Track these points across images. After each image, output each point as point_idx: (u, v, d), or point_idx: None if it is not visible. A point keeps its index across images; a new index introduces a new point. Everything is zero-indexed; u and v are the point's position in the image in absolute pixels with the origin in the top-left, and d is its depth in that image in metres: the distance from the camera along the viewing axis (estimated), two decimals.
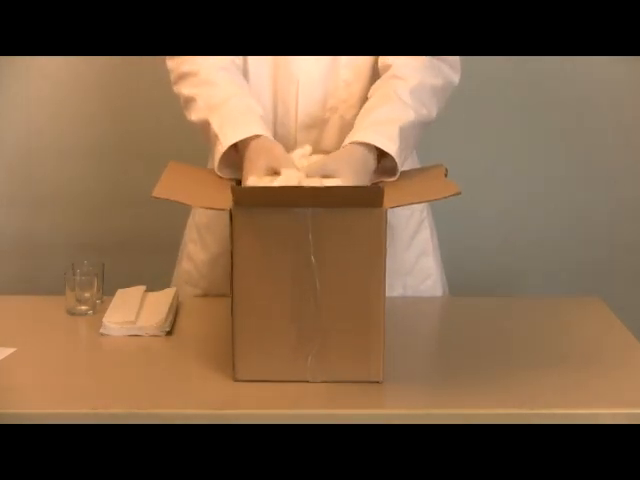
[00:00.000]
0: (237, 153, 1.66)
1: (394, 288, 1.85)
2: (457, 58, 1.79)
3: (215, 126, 1.67)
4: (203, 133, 1.72)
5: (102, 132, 2.65)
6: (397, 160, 1.64)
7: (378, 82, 1.74)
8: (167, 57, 1.79)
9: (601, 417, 1.41)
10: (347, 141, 1.66)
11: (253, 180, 1.56)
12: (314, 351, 1.47)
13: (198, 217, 1.94)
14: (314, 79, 1.78)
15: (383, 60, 1.75)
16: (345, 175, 1.57)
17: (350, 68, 1.78)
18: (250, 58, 1.78)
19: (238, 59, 1.77)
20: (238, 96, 1.71)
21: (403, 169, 1.68)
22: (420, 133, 1.73)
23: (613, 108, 2.67)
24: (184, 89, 1.75)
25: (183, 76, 1.75)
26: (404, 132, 1.66)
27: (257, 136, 1.64)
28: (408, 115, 1.68)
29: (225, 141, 1.65)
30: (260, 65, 1.78)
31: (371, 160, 1.64)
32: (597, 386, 1.49)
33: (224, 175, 1.67)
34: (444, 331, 1.76)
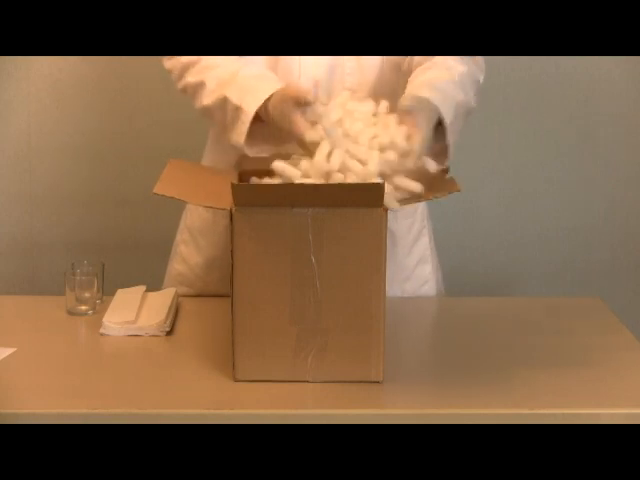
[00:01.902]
0: (261, 124, 1.63)
1: (393, 293, 1.85)
2: (482, 58, 1.77)
3: (234, 99, 1.64)
4: (218, 114, 1.68)
5: (102, 132, 2.65)
6: (447, 132, 1.60)
7: (419, 69, 1.71)
8: (164, 59, 1.77)
9: (601, 417, 1.41)
10: (412, 92, 1.61)
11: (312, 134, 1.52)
12: (314, 351, 1.47)
13: (190, 220, 1.93)
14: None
15: (416, 58, 1.73)
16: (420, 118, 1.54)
17: (354, 76, 1.76)
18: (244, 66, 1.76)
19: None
20: (246, 67, 1.68)
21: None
22: (463, 119, 1.69)
23: (613, 108, 2.67)
24: (190, 78, 1.72)
25: (185, 67, 1.73)
26: (458, 110, 1.64)
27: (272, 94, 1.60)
28: (459, 94, 1.65)
29: (249, 108, 1.61)
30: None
31: (433, 119, 1.59)
32: (597, 386, 1.49)
33: (252, 153, 1.64)
34: (444, 331, 1.76)
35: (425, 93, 1.60)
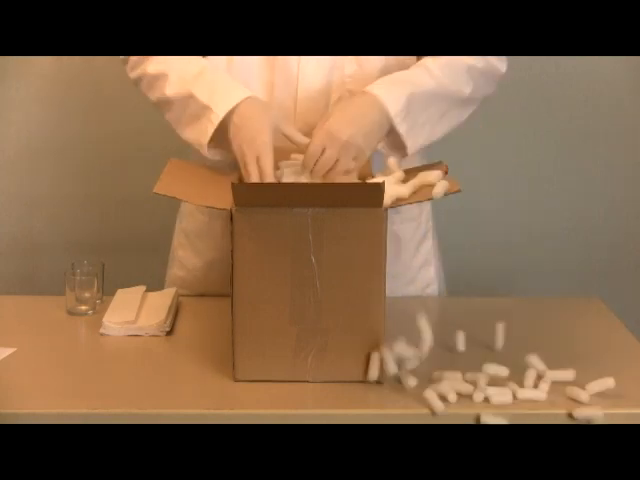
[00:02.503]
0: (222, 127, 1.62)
1: (396, 296, 1.85)
2: None
3: (203, 97, 1.62)
4: (178, 108, 1.66)
5: (102, 132, 2.65)
6: (395, 122, 1.60)
7: None
8: None
9: (601, 417, 1.41)
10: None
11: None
12: (314, 351, 1.47)
13: (186, 223, 1.92)
14: (314, 88, 1.74)
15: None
16: (336, 116, 1.56)
17: (356, 78, 1.74)
18: (236, 66, 1.74)
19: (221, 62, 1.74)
20: (211, 68, 1.67)
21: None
22: (444, 107, 1.68)
23: (613, 108, 2.67)
24: (150, 67, 1.69)
25: (144, 57, 1.70)
26: (416, 98, 1.63)
27: (245, 99, 1.60)
28: (427, 83, 1.65)
29: (218, 109, 1.59)
30: (253, 72, 1.75)
31: (376, 115, 1.59)
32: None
33: (212, 156, 1.64)
34: (444, 331, 1.75)
35: (368, 88, 1.62)
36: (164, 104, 1.70)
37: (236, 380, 1.49)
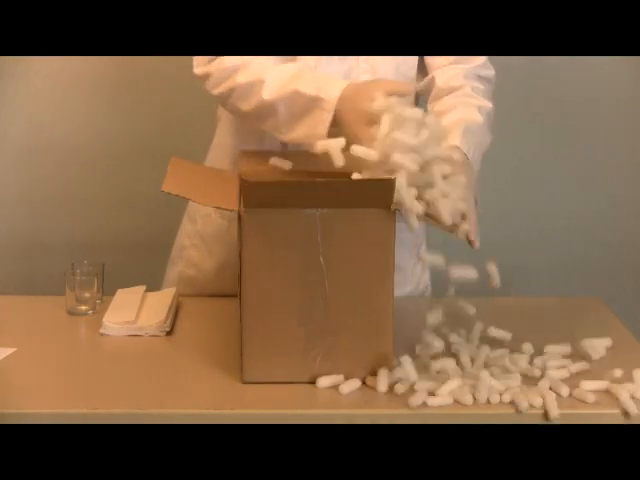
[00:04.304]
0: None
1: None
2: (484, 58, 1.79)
3: (310, 91, 1.61)
4: (282, 109, 1.65)
5: (102, 132, 2.65)
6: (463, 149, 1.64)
7: (448, 98, 1.75)
8: (198, 64, 1.73)
9: (601, 417, 1.41)
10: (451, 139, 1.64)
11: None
12: (322, 352, 1.47)
13: (202, 226, 1.92)
14: None
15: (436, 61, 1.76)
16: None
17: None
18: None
19: None
20: (305, 68, 1.67)
21: None
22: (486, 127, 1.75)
23: (613, 108, 2.67)
24: (240, 78, 1.67)
25: (232, 70, 1.68)
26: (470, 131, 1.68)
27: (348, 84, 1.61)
28: (477, 117, 1.71)
29: (329, 96, 1.59)
30: None
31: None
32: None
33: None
34: (444, 331, 1.75)
35: (463, 145, 1.64)
36: (264, 109, 1.68)
37: (244, 382, 1.48)
